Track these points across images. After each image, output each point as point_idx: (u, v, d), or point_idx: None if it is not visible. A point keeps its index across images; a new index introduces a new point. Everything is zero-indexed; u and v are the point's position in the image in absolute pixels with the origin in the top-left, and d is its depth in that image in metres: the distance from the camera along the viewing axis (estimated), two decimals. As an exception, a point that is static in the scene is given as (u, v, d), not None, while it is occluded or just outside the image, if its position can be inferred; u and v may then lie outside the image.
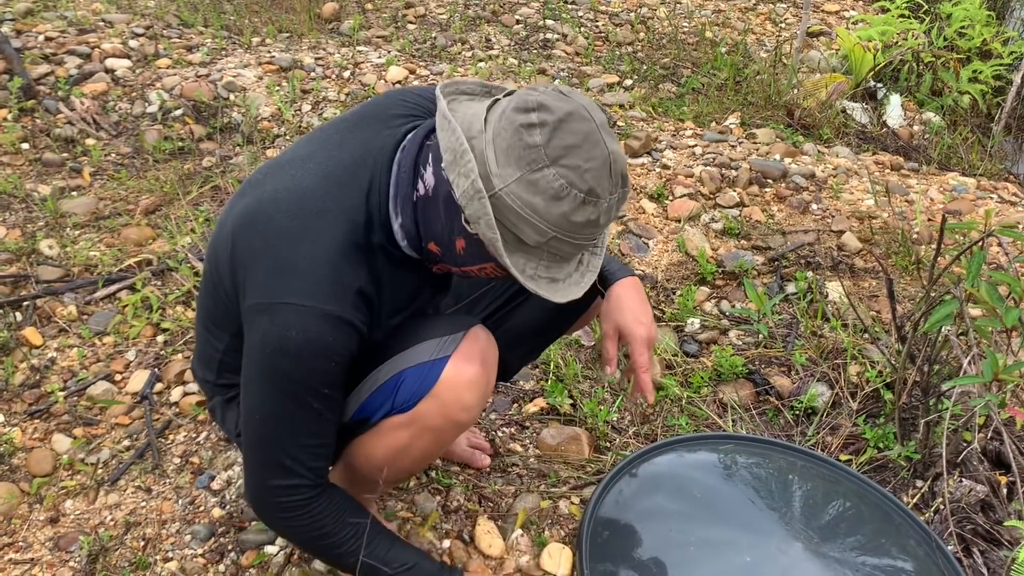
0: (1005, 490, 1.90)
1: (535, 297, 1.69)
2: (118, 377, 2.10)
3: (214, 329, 1.42)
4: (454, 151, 1.15)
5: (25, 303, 2.26)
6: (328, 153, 1.29)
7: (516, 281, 1.22)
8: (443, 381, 1.33)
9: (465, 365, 1.34)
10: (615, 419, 2.07)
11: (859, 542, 1.81)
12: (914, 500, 1.89)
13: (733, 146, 3.15)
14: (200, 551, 1.67)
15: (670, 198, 2.83)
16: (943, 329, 1.91)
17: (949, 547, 1.78)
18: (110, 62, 3.44)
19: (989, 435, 1.84)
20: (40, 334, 2.19)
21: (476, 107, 1.20)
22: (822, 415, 2.09)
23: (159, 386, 2.08)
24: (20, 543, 1.68)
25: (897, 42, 4.34)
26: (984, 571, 1.76)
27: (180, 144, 3.04)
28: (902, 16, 4.41)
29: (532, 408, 2.10)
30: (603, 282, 1.56)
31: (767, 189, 2.89)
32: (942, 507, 1.85)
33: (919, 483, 1.94)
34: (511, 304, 1.70)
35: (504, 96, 1.22)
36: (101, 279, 2.37)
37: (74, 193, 2.78)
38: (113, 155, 3.00)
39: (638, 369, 1.51)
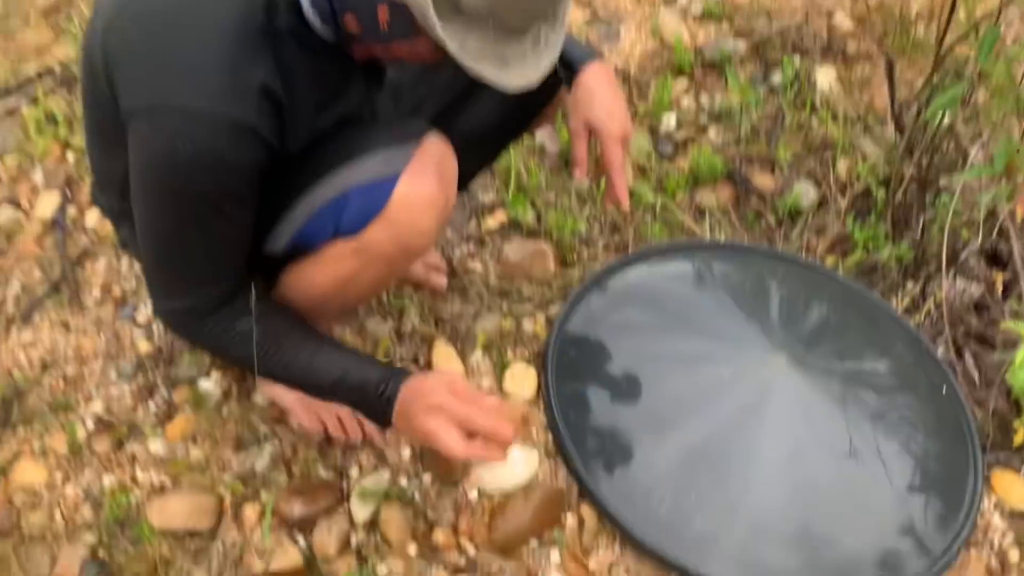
0: (1001, 289, 1.77)
1: (488, 92, 1.45)
2: (24, 201, 1.86)
3: (107, 146, 1.18)
4: None
5: (-90, 122, 1.98)
6: None
7: (456, 63, 0.99)
8: (395, 202, 1.12)
9: (420, 182, 1.13)
10: (583, 231, 1.89)
11: (844, 349, 1.69)
12: (904, 303, 1.76)
13: (714, -83, 2.78)
14: (127, 389, 1.52)
15: (643, -22, 2.51)
16: (946, 117, 1.71)
17: (939, 350, 1.67)
18: None
19: (991, 231, 1.68)
20: (-68, 157, 1.93)
21: None
22: (807, 216, 1.92)
23: (72, 210, 1.85)
24: (-75, 389, 1.51)
25: None
26: (975, 374, 1.66)
27: (79, -70, 2.63)
28: None
29: (492, 222, 1.91)
30: (567, 69, 1.33)
31: (751, -35, 2.57)
32: (933, 309, 1.72)
33: (909, 285, 1.80)
34: (461, 102, 1.46)
35: None
36: (-3, 92, 2.08)
37: (-41, -7, 2.41)
38: (2, -53, 2.59)
39: (611, 170, 1.33)
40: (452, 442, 1.10)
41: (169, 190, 1.03)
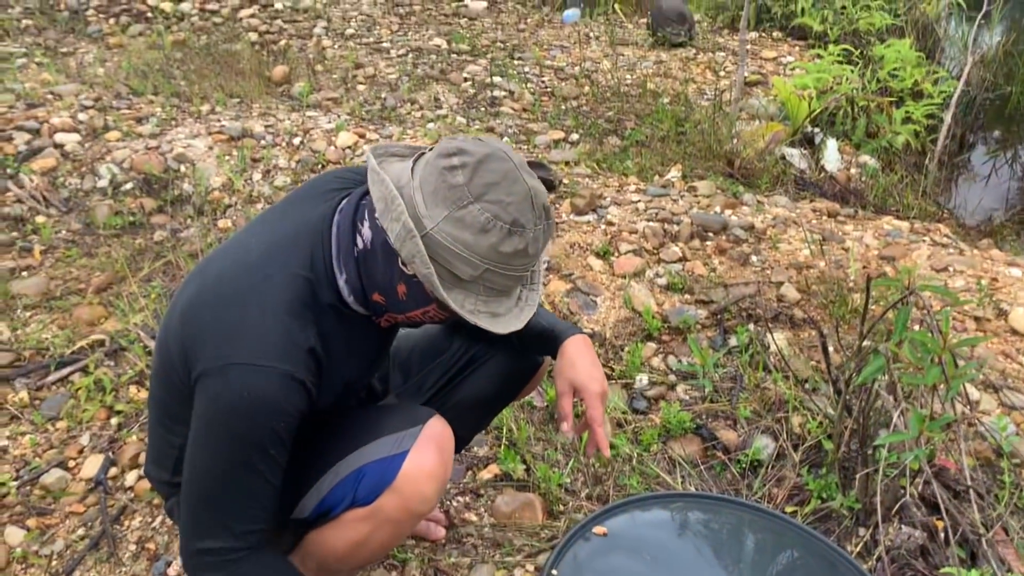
0: (943, 535, 1.98)
1: (483, 368, 1.75)
2: (72, 463, 2.10)
3: (169, 424, 1.44)
4: (385, 199, 1.22)
5: (-25, 391, 2.26)
6: (270, 228, 1.36)
7: (459, 319, 1.26)
8: (403, 475, 1.38)
9: (424, 458, 1.39)
10: (568, 482, 2.12)
11: (806, 594, 1.86)
12: (857, 548, 1.96)
13: (675, 200, 3.25)
14: (157, 642, 1.68)
15: (616, 255, 2.91)
16: (875, 381, 2.00)
17: (891, 594, 1.85)
18: (59, 137, 3.45)
19: (923, 483, 1.92)
20: (-9, 422, 2.19)
21: (405, 164, 1.28)
22: (767, 468, 2.16)
23: (113, 470, 2.08)
24: (-27, 643, 1.67)
25: (832, 87, 4.51)
26: (925, 617, 1.83)
27: (131, 218, 3.06)
28: (837, 62, 4.59)
29: (486, 475, 2.14)
30: (553, 341, 1.62)
31: (708, 242, 2.99)
32: (884, 555, 1.92)
33: (861, 531, 2.01)
34: (460, 377, 1.75)
35: (428, 150, 1.29)
36: (53, 362, 2.37)
37: (24, 273, 2.78)
38: (64, 232, 3.01)
39: (593, 424, 1.57)
40: None
41: (229, 433, 1.25)
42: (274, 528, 1.43)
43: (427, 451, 1.40)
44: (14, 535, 1.90)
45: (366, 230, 1.29)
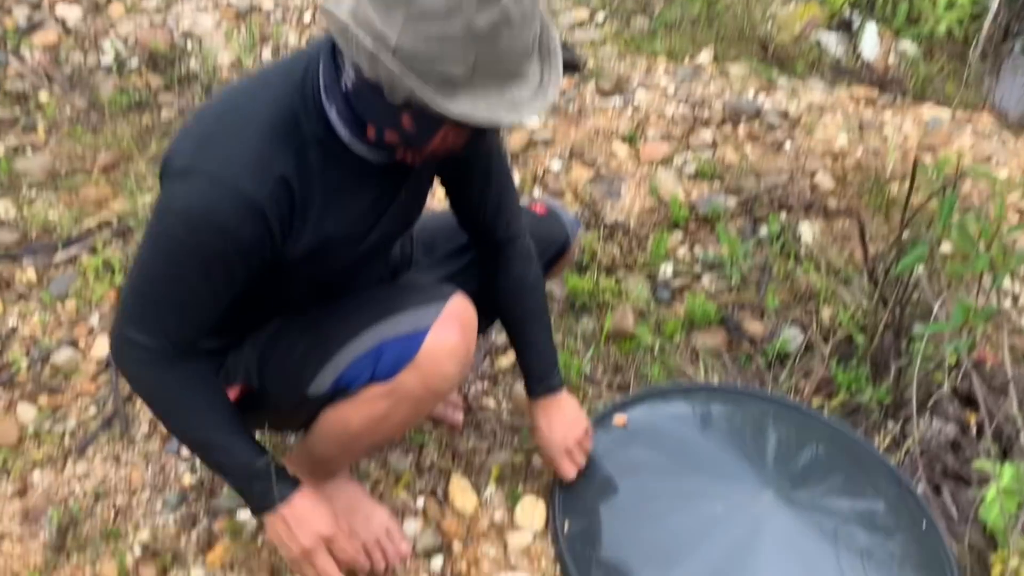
0: (975, 429, 1.92)
1: (509, 250, 1.66)
2: (81, 343, 2.06)
3: None
4: (342, 32, 1.09)
5: (-18, 269, 2.20)
6: (266, 68, 1.30)
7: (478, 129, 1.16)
8: (424, 352, 1.32)
9: (446, 335, 1.33)
10: (588, 370, 2.06)
11: (830, 486, 1.82)
12: (886, 442, 1.90)
13: (706, 84, 3.09)
14: (172, 518, 1.67)
15: (643, 141, 2.78)
16: (915, 271, 1.90)
17: (919, 488, 1.80)
18: (60, 10, 3.29)
19: (960, 376, 1.84)
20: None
21: None
22: (795, 359, 2.09)
23: (124, 351, 2.04)
24: (-12, 517, 1.66)
25: (873, -31, 4.24)
26: (953, 510, 1.79)
27: (137, 97, 2.94)
28: (879, -59, 4.30)
29: (505, 361, 2.09)
30: (528, 383, 1.69)
31: (740, 128, 2.84)
32: (913, 448, 1.87)
33: (890, 425, 1.95)
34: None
35: None
36: (60, 241, 2.30)
37: (29, 151, 2.69)
38: (68, 110, 2.90)
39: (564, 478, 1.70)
40: (331, 568, 1.36)
41: (174, 237, 1.21)
42: (294, 405, 1.42)
43: (449, 328, 1.33)
44: (27, 412, 1.87)
45: (348, 69, 1.17)
